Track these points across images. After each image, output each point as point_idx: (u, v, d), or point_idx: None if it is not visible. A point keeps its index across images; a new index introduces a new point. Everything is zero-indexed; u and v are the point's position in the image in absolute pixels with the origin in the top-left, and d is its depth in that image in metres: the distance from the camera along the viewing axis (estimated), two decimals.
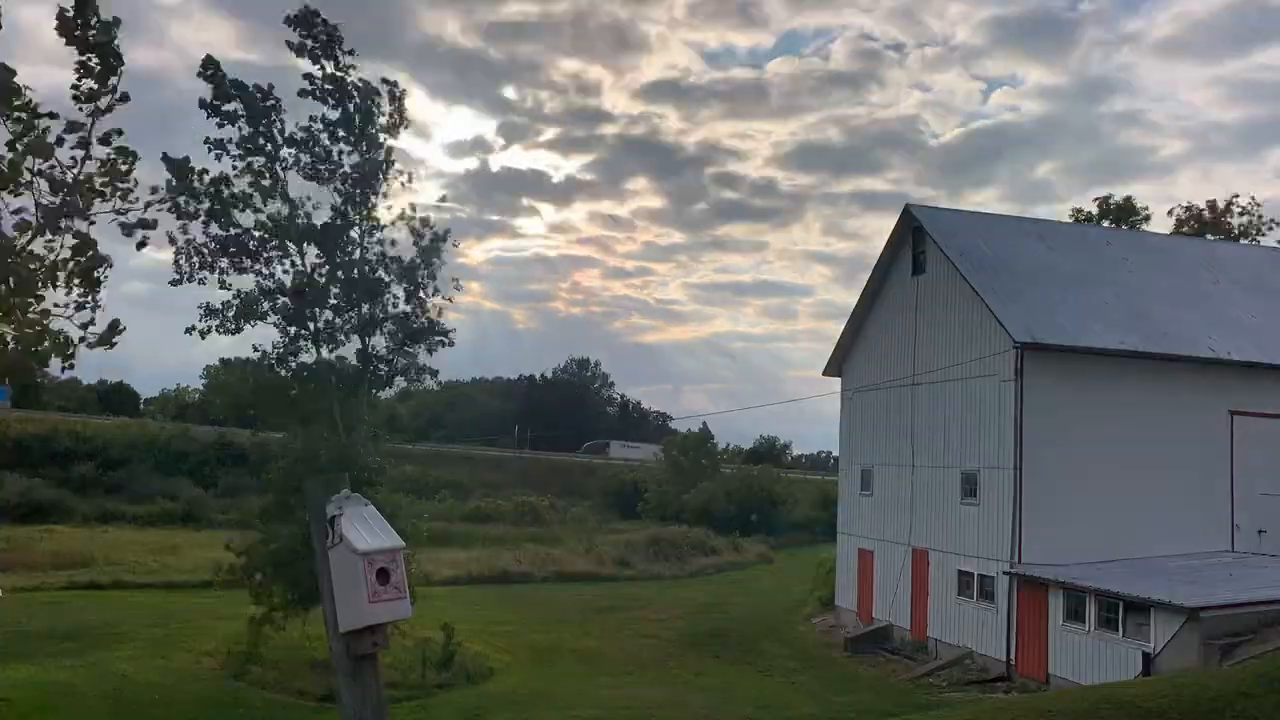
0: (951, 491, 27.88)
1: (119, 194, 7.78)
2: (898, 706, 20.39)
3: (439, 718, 21.21)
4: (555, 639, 29.74)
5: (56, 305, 7.58)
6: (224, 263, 22.64)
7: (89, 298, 7.69)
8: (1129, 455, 25.55)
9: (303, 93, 23.00)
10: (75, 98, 7.64)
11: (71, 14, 7.62)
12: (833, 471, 52.21)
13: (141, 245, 8.31)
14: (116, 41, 7.68)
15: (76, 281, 7.62)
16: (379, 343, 24.04)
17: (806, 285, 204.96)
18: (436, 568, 34.30)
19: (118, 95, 7.73)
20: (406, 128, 23.84)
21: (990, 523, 25.95)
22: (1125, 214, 51.53)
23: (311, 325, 23.32)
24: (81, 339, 7.69)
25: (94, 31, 7.60)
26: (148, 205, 8.19)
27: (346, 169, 23.22)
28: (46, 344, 7.51)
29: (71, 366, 7.77)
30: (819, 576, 38.70)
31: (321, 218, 23.24)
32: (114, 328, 7.82)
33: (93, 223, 7.69)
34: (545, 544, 48.39)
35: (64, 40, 7.58)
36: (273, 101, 22.69)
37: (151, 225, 8.18)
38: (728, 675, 26.07)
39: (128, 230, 7.99)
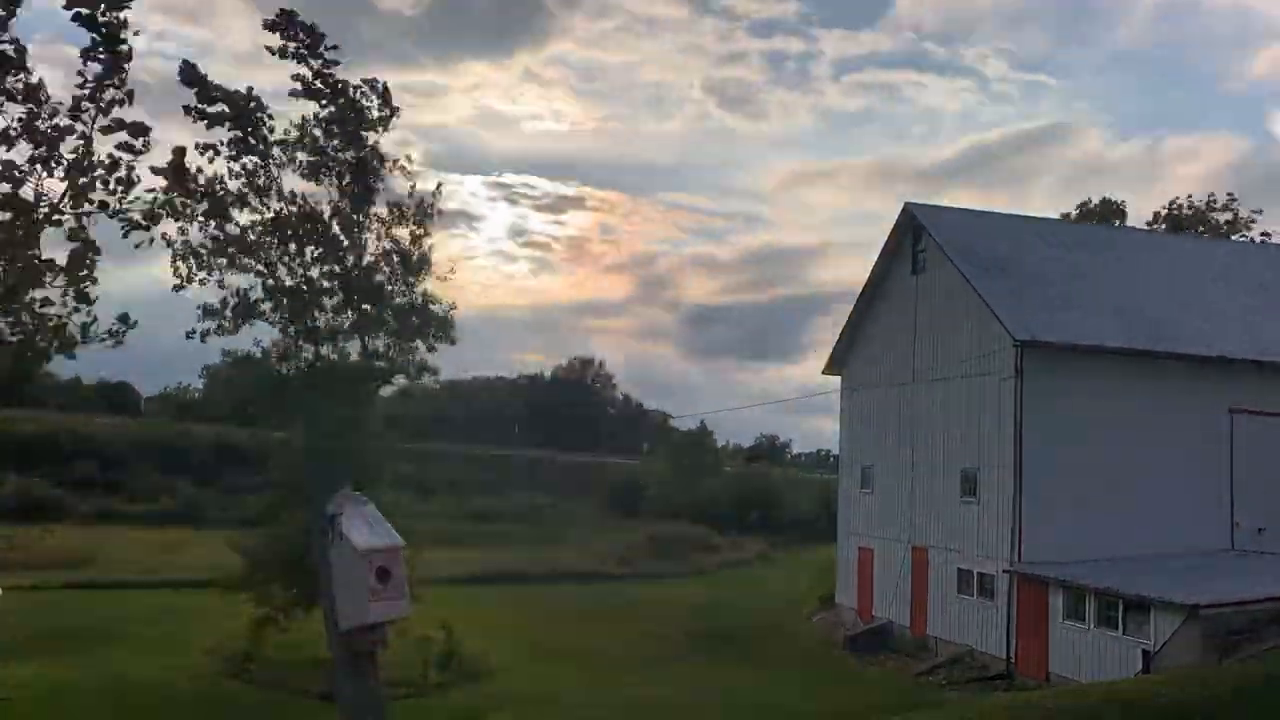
0: (951, 489, 27.87)
1: (119, 192, 7.69)
2: (898, 704, 20.38)
3: (439, 717, 21.22)
4: (556, 637, 29.71)
5: (50, 301, 7.52)
6: (222, 261, 22.43)
7: (86, 287, 7.62)
8: (1129, 453, 25.53)
9: (293, 93, 22.86)
10: (80, 92, 7.45)
11: None
12: (833, 470, 52.16)
13: (142, 241, 8.23)
14: (127, 42, 7.48)
15: (65, 279, 7.55)
16: (379, 341, 23.92)
17: None
18: (437, 567, 34.27)
19: (124, 89, 7.59)
20: (396, 117, 23.57)
21: (990, 520, 25.94)
22: (1107, 215, 51.21)
23: (308, 323, 23.19)
24: (85, 335, 7.64)
25: (105, 14, 7.39)
26: (156, 204, 8.12)
27: (343, 165, 23.05)
28: (47, 337, 7.47)
29: (73, 356, 7.73)
30: (819, 575, 38.71)
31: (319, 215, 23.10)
32: (124, 320, 7.76)
33: (90, 214, 7.61)
34: (546, 543, 48.39)
35: (72, 16, 7.33)
36: (254, 103, 22.49)
37: (153, 223, 8.11)
38: (728, 673, 26.05)
39: (126, 230, 7.92)
